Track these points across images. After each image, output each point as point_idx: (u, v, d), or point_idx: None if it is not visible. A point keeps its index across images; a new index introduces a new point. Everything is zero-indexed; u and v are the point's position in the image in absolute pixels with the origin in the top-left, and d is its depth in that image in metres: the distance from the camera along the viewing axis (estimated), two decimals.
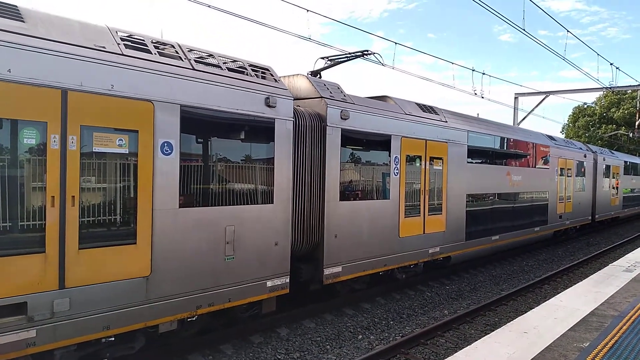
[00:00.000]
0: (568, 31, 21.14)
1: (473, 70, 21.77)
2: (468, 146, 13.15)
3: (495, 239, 14.62)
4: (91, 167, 5.80)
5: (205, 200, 7.02)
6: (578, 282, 9.43)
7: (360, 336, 8.89)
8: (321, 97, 9.32)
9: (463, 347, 5.81)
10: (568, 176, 19.82)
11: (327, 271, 9.14)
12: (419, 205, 11.47)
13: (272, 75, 8.30)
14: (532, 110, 30.08)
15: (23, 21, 5.50)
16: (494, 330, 6.47)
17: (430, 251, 11.84)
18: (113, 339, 6.13)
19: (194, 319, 7.00)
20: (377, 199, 10.32)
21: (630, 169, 29.24)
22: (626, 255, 12.56)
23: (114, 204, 6.05)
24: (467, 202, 13.19)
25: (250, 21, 11.97)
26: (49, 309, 5.45)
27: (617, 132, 47.52)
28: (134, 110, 6.15)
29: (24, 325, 5.26)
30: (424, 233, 11.60)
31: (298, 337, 8.59)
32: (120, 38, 6.37)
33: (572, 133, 54.82)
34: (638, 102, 41.33)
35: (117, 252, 6.00)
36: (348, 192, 9.68)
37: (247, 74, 7.76)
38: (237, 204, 7.43)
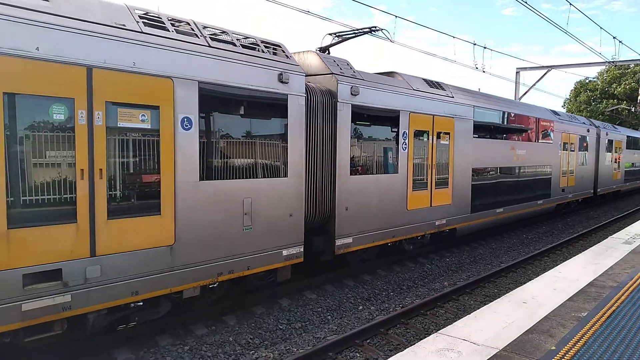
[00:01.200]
0: (571, 4, 20.80)
1: (475, 45, 21.51)
2: (474, 121, 13.36)
3: (500, 211, 14.98)
4: (116, 142, 6.07)
5: (224, 173, 7.30)
6: (578, 254, 9.49)
7: (360, 307, 9.01)
8: (332, 73, 9.47)
9: (462, 317, 5.88)
10: (571, 150, 20.02)
11: (338, 242, 9.48)
12: (426, 179, 11.77)
13: (283, 51, 8.44)
14: (534, 84, 29.81)
15: (47, 0, 5.65)
16: (493, 301, 6.55)
17: (436, 223, 12.18)
18: (142, 303, 6.50)
19: (215, 285, 7.36)
20: (386, 173, 10.61)
21: (632, 144, 29.49)
22: (626, 228, 12.63)
23: (139, 177, 6.35)
24: (472, 176, 13.48)
25: None
26: (82, 276, 5.82)
27: (618, 106, 47.22)
28: (155, 86, 6.37)
29: (59, 290, 5.63)
30: (430, 206, 11.94)
31: (299, 308, 8.70)
32: (139, 16, 6.52)
33: (574, 108, 54.44)
34: None
35: (143, 222, 6.32)
36: (358, 167, 9.95)
37: (259, 51, 7.90)
38: (254, 178, 7.74)
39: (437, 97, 12.01)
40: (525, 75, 30.56)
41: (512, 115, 15.64)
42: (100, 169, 5.86)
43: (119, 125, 6.05)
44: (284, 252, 8.34)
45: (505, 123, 15.27)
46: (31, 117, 5.39)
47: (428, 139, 11.70)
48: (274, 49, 8.28)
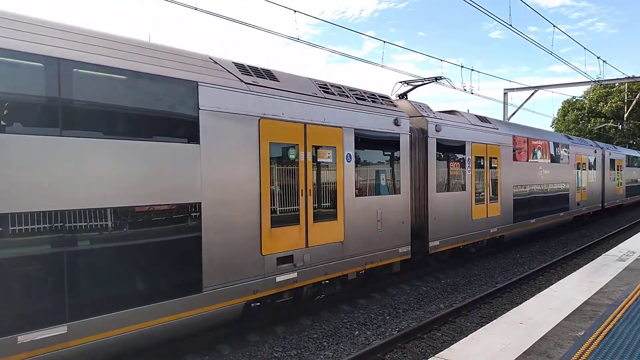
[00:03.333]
0: (555, 26, 21.39)
1: (462, 67, 21.89)
2: (512, 147, 16.45)
3: (533, 222, 17.74)
4: (316, 172, 9.03)
5: (367, 191, 10.30)
6: (572, 272, 9.49)
7: (357, 332, 8.90)
8: (422, 115, 12.45)
9: (459, 340, 5.82)
10: (583, 169, 23.00)
11: (431, 244, 12.30)
12: (484, 195, 14.67)
13: (391, 101, 11.44)
14: (522, 105, 30.27)
15: (278, 81, 8.52)
16: (489, 322, 6.49)
17: (491, 231, 15.05)
18: (328, 282, 9.32)
19: (362, 272, 10.12)
20: (458, 190, 13.48)
21: (631, 162, 32.96)
22: (618, 245, 12.66)
23: (327, 195, 9.29)
24: (513, 192, 16.30)
25: (238, 23, 11.93)
26: (302, 260, 8.65)
27: (605, 124, 47.90)
28: (334, 133, 9.35)
29: (291, 269, 8.46)
30: (487, 217, 14.82)
31: (295, 335, 8.58)
32: (318, 86, 9.46)
33: (563, 127, 55.08)
34: (626, 95, 41.75)
35: (329, 225, 9.26)
36: (441, 186, 12.80)
37: (379, 103, 10.83)
38: (382, 194, 10.65)
39: (487, 129, 15.13)
40: (513, 96, 31.03)
41: (540, 140, 18.77)
42: (310, 189, 8.79)
43: (318, 161, 9.05)
44: (399, 250, 11.11)
45: (535, 147, 18.27)
46: (278, 155, 8.24)
47: (483, 163, 14.66)
48: (386, 100, 11.27)
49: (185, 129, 7.00)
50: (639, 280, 8.34)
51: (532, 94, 29.76)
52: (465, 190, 13.68)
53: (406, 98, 13.60)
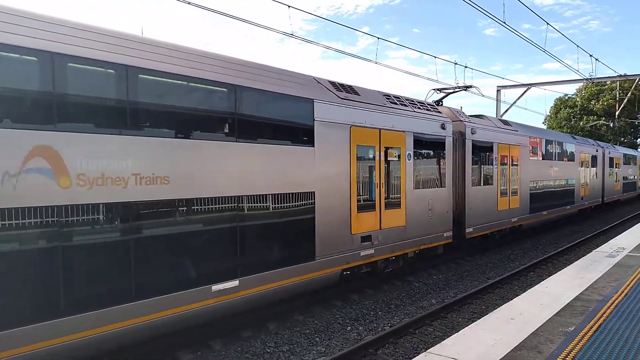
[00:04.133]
0: (548, 24, 21.46)
1: (455, 64, 21.95)
2: (530, 147, 18.55)
3: (545, 213, 19.85)
4: (386, 168, 11.07)
5: (421, 185, 12.29)
6: (563, 268, 9.55)
7: (349, 327, 8.92)
8: (460, 120, 14.60)
9: (451, 335, 5.84)
10: (586, 167, 25.13)
11: (467, 230, 14.43)
12: (506, 189, 16.72)
13: (437, 109, 13.49)
14: (515, 102, 30.37)
15: (359, 95, 10.62)
16: (481, 318, 6.52)
17: (512, 220, 17.13)
18: (394, 258, 11.55)
19: (417, 252, 12.26)
20: (486, 185, 15.56)
21: (627, 160, 35.58)
22: (609, 241, 12.76)
23: (394, 187, 11.38)
24: (529, 187, 18.35)
25: (232, 18, 11.86)
26: (377, 239, 10.77)
27: (597, 122, 48.22)
28: (399, 137, 11.47)
29: (370, 247, 10.58)
30: (509, 208, 16.90)
31: (287, 330, 8.58)
32: (384, 97, 11.53)
33: (555, 124, 55.40)
34: (617, 93, 42.01)
35: (395, 212, 11.40)
36: (474, 181, 14.87)
37: (426, 109, 12.82)
38: (432, 188, 12.75)
39: (509, 131, 17.30)
40: (506, 93, 31.24)
41: (550, 141, 21.09)
42: (382, 182, 10.90)
43: (388, 159, 11.09)
44: (444, 234, 13.17)
45: (547, 147, 20.47)
46: (361, 155, 10.35)
47: (507, 161, 16.73)
48: (434, 107, 13.40)
49: (305, 135, 9.12)
50: (628, 276, 8.42)
51: (525, 91, 29.87)
52: (492, 184, 15.86)
53: (442, 104, 15.58)
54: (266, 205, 8.25)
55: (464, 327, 6.24)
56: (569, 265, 9.92)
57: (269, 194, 8.26)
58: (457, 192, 14.15)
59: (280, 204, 8.51)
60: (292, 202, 8.76)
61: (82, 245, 6.02)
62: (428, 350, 5.20)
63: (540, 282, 8.65)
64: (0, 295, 5.33)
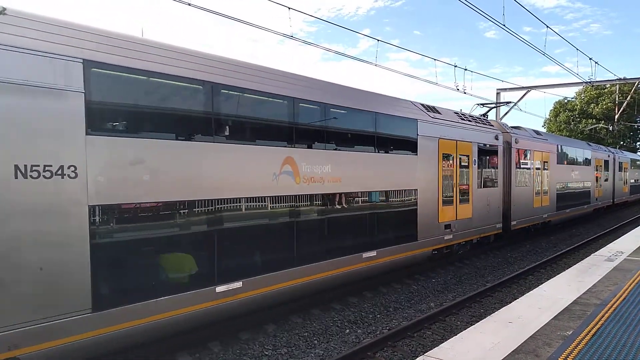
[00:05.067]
0: (548, 27, 21.40)
1: (455, 67, 21.95)
2: (557, 154, 21.63)
3: (568, 211, 22.81)
4: (460, 172, 14.03)
5: (482, 185, 15.36)
6: (561, 272, 9.55)
7: (347, 330, 8.92)
8: (507, 132, 17.53)
9: (449, 338, 5.85)
10: (600, 171, 28.20)
11: (512, 222, 17.39)
12: (539, 189, 19.62)
13: (489, 122, 16.63)
14: (514, 105, 30.36)
15: (440, 113, 13.34)
16: (479, 321, 6.53)
17: (544, 216, 20.17)
18: (464, 243, 14.52)
19: (478, 239, 15.29)
20: (525, 186, 18.46)
21: (634, 164, 38.89)
22: (608, 245, 12.78)
23: (465, 186, 14.31)
24: (556, 188, 21.27)
25: (231, 19, 11.87)
26: (455, 227, 13.66)
27: (596, 125, 48.26)
28: (468, 146, 14.36)
29: (450, 233, 13.51)
30: (541, 206, 19.84)
31: (285, 333, 8.58)
32: (456, 114, 14.43)
33: (554, 127, 55.46)
34: (617, 97, 42.05)
35: (465, 206, 14.25)
36: (517, 182, 17.86)
37: (484, 123, 15.95)
38: (489, 187, 15.77)
39: (542, 140, 20.49)
40: (506, 96, 31.19)
41: (572, 148, 24.45)
42: (457, 182, 13.75)
43: (461, 164, 14.03)
44: (496, 225, 16.24)
45: (569, 153, 23.63)
46: (444, 161, 13.29)
47: (540, 165, 19.68)
48: (488, 121, 16.56)
49: (412, 146, 12.13)
50: (627, 280, 8.43)
51: (525, 94, 29.87)
52: (529, 186, 18.76)
53: (487, 117, 18.55)
54: (392, 198, 11.46)
55: (462, 331, 6.24)
56: (567, 269, 9.93)
57: (394, 190, 11.51)
58: (505, 191, 17.01)
59: (399, 197, 11.70)
60: (406, 197, 11.95)
61: (304, 220, 9.17)
62: (426, 354, 5.21)
63: (539, 285, 8.66)
64: (268, 248, 8.53)
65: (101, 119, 6.25)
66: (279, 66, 9.67)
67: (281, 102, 8.67)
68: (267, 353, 7.73)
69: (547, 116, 57.83)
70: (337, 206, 9.84)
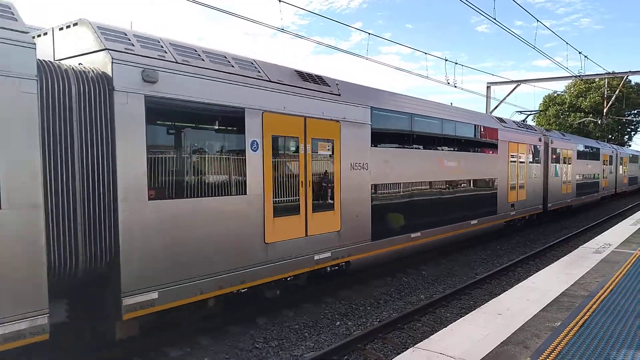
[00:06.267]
0: (539, 21, 21.51)
1: (446, 61, 22.02)
2: (577, 151, 26.39)
3: (583, 197, 27.44)
4: (521, 166, 20.18)
5: (532, 175, 20.24)
6: (550, 264, 9.65)
7: (338, 322, 8.94)
8: (546, 135, 21.94)
9: (439, 330, 5.88)
10: (606, 165, 33.21)
11: (549, 205, 21.87)
12: (565, 179, 24.16)
13: (533, 127, 20.87)
14: (504, 98, 30.55)
15: (506, 122, 18.73)
16: (468, 313, 6.57)
17: (568, 201, 24.60)
18: (519, 219, 19.65)
19: (527, 217, 20.15)
20: (556, 177, 22.86)
21: (632, 159, 43.96)
22: (596, 238, 12.92)
23: (521, 176, 19.57)
24: (576, 179, 25.88)
25: (222, 12, 11.79)
26: (516, 206, 18.70)
27: (585, 119, 48.67)
28: (524, 146, 19.61)
29: (513, 210, 18.65)
30: (566, 192, 24.30)
31: (276, 326, 8.58)
32: (513, 122, 19.27)
33: (544, 121, 55.78)
34: (605, 91, 42.40)
35: (522, 191, 19.77)
36: (551, 174, 22.12)
37: (523, 126, 19.70)
38: (535, 178, 20.43)
39: (567, 140, 25.25)
40: (496, 89, 31.31)
41: (588, 145, 29.59)
42: (517, 173, 19.12)
43: (520, 160, 19.70)
44: (539, 206, 20.85)
45: (585, 150, 28.37)
46: (512, 157, 18.39)
47: (566, 161, 24.32)
48: (532, 127, 20.76)
49: (494, 147, 16.72)
50: (614, 272, 8.52)
51: (514, 88, 30.06)
52: (559, 177, 23.26)
53: (525, 122, 22.59)
54: (484, 184, 16.09)
55: (452, 323, 6.28)
56: (556, 261, 10.03)
57: (486, 179, 16.22)
58: (544, 180, 21.45)
59: (488, 184, 16.40)
60: (491, 184, 16.59)
61: (447, 197, 14.06)
62: (416, 346, 5.24)
63: (527, 277, 8.74)
64: (432, 213, 13.25)
65: (376, 139, 11.07)
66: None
67: (437, 122, 13.65)
68: (257, 346, 7.72)
69: (537, 109, 58.06)
70: (460, 187, 14.71)
